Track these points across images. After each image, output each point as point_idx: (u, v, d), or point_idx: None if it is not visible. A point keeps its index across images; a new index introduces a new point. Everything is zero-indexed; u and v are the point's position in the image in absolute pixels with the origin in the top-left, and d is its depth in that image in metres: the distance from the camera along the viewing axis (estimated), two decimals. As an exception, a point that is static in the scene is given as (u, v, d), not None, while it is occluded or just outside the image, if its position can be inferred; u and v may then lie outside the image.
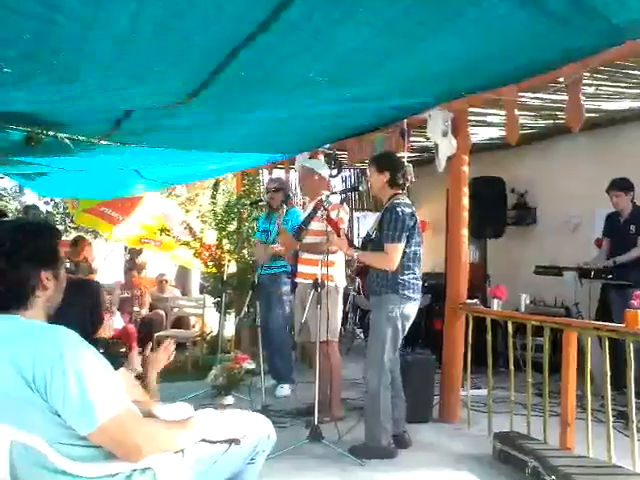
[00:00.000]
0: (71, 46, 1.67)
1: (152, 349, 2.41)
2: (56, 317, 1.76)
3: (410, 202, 3.84)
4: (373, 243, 3.83)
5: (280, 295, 5.21)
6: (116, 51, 1.72)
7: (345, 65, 2.03)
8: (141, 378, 2.24)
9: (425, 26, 1.78)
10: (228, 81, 1.99)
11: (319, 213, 4.17)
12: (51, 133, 3.24)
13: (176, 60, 1.82)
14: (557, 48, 2.16)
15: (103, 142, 3.50)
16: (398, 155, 4.31)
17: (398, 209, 3.67)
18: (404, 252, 3.67)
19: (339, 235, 3.85)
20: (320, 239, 4.17)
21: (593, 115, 5.15)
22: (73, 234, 9.27)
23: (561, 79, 3.65)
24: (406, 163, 4.15)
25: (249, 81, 2.03)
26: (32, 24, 1.49)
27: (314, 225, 4.37)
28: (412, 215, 3.72)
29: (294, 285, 4.80)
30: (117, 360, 2.21)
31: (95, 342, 2.38)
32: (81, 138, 3.38)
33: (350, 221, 8.40)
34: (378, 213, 3.94)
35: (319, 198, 4.26)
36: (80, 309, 2.26)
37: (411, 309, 3.73)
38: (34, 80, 1.97)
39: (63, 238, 7.87)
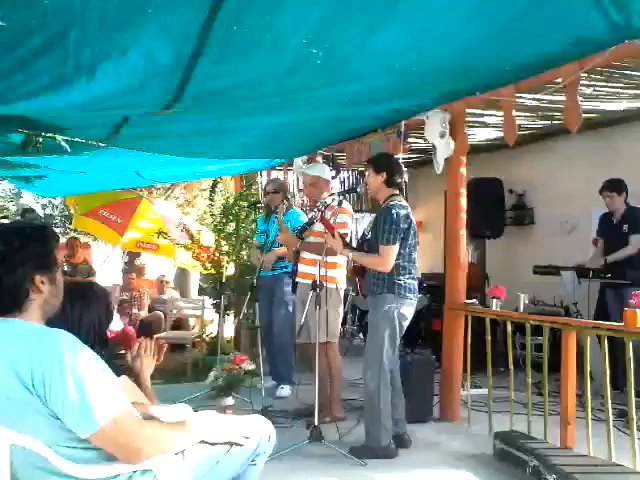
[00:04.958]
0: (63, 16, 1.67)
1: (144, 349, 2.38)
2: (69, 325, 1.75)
3: (406, 203, 3.85)
4: (368, 243, 3.86)
5: (282, 296, 5.21)
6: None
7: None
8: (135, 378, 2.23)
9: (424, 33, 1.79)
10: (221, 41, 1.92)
11: (313, 214, 4.17)
12: (49, 135, 3.22)
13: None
14: (557, 45, 2.16)
15: (101, 144, 3.49)
16: (395, 156, 4.32)
17: (393, 211, 3.68)
18: (400, 253, 3.68)
19: (333, 235, 3.86)
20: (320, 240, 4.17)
21: (591, 116, 5.17)
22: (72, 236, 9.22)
23: (558, 80, 3.66)
24: (400, 164, 4.15)
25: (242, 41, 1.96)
26: None
27: (318, 226, 4.36)
28: (407, 217, 3.73)
29: (295, 285, 4.81)
30: (119, 367, 2.20)
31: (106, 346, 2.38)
32: (79, 140, 3.37)
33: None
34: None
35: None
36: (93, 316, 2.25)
37: (408, 309, 3.75)
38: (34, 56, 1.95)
39: (62, 241, 7.88)
